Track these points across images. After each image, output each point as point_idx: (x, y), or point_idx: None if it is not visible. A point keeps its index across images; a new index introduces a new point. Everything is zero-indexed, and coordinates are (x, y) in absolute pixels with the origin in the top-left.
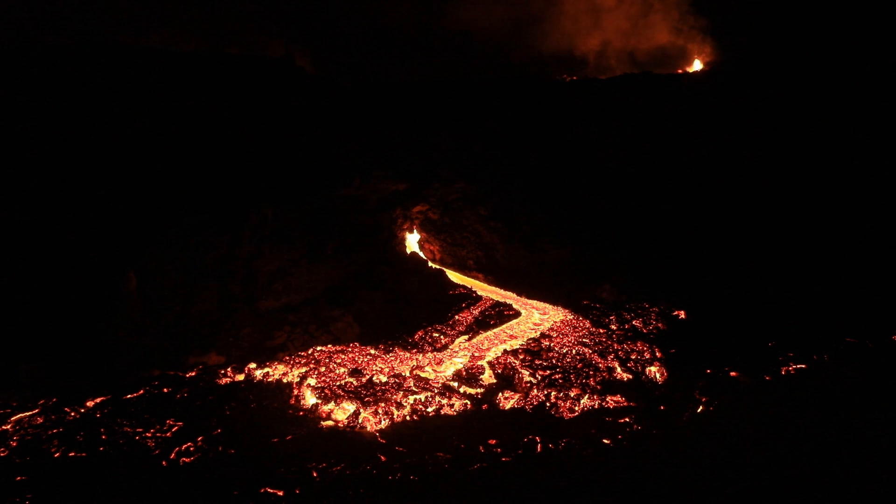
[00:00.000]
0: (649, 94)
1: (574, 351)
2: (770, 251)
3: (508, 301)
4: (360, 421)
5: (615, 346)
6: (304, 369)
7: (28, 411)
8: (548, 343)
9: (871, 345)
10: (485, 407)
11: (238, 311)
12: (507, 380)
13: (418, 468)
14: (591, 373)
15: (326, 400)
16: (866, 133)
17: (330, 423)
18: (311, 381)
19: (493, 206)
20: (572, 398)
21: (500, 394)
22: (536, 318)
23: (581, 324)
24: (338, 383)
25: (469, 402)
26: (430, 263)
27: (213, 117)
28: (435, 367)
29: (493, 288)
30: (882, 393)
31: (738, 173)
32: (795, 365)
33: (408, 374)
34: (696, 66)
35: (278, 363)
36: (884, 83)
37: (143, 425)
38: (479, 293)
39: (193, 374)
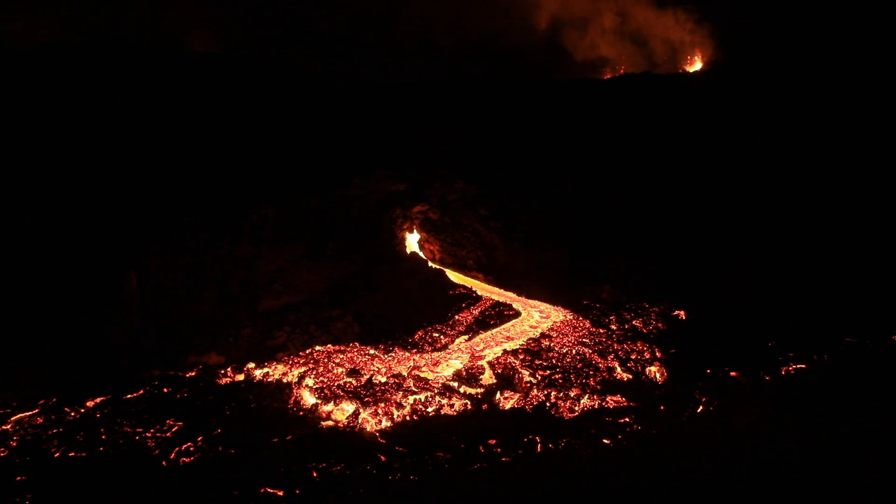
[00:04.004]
0: (649, 94)
1: (574, 351)
2: (770, 251)
3: (508, 301)
4: (359, 421)
5: (615, 346)
6: (303, 369)
7: (28, 411)
8: (548, 343)
9: (871, 345)
10: (485, 407)
11: (238, 311)
12: (507, 380)
13: (418, 468)
14: (591, 373)
15: (326, 400)
16: (866, 133)
17: (330, 423)
18: (311, 381)
19: (493, 206)
20: (572, 398)
21: (500, 394)
22: (536, 318)
23: (581, 324)
24: (337, 383)
25: (469, 402)
26: (430, 263)
27: (213, 117)
28: (434, 368)
29: (493, 288)
30: (882, 393)
31: (738, 173)
32: (795, 365)
33: (407, 374)
34: (697, 66)
35: (278, 363)
36: (884, 83)
37: (143, 425)
38: (479, 293)
39: (193, 374)
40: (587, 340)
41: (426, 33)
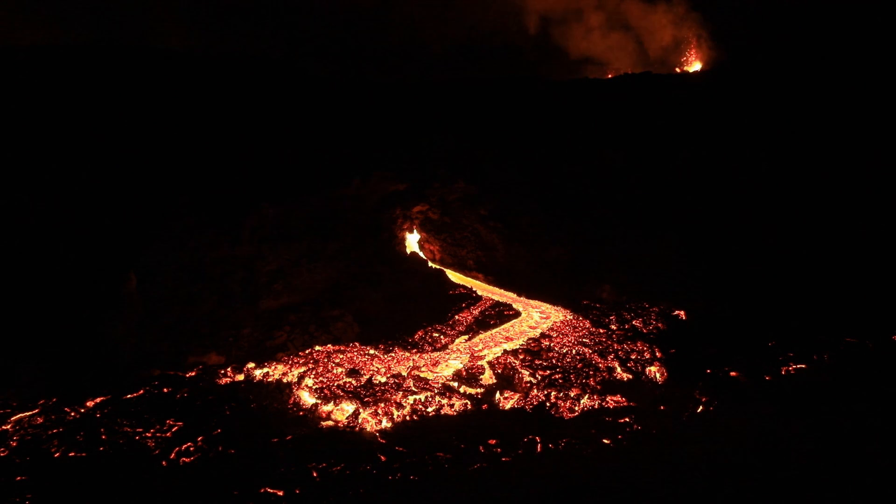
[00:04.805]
0: (649, 94)
1: (574, 351)
2: (770, 251)
3: (508, 301)
4: (359, 421)
5: (615, 346)
6: (303, 369)
7: (28, 411)
8: (548, 343)
9: (871, 345)
10: (485, 407)
11: (238, 311)
12: (507, 380)
13: (418, 468)
14: (591, 373)
15: (326, 400)
16: (866, 133)
17: (330, 423)
18: (311, 381)
19: (493, 206)
20: (572, 398)
21: (500, 394)
22: (536, 318)
23: (581, 324)
24: (337, 383)
25: (469, 402)
26: (430, 263)
27: (213, 117)
28: (434, 368)
29: (493, 288)
30: (882, 393)
31: (737, 173)
32: (795, 365)
33: (407, 374)
34: (696, 66)
35: (278, 363)
36: (884, 83)
37: (143, 425)
38: (479, 293)
39: (193, 374)
40: (587, 340)
41: (419, 34)
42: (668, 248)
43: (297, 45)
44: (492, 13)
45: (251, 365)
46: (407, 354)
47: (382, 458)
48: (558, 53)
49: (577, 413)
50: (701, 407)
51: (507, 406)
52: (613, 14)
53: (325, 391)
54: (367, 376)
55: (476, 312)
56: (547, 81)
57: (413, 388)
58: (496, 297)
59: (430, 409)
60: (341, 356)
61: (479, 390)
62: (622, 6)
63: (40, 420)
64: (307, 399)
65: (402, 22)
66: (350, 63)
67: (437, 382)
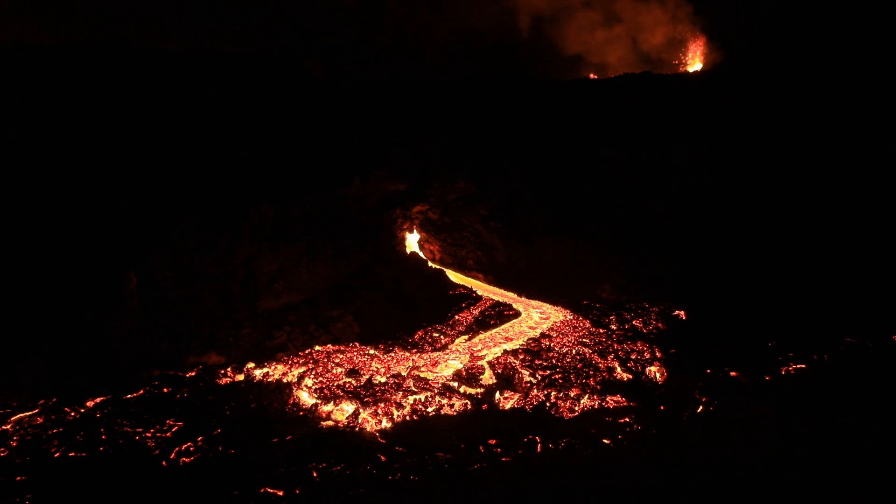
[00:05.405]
0: (649, 94)
1: (574, 351)
2: (770, 251)
3: (508, 301)
4: (359, 421)
5: (615, 346)
6: (303, 369)
7: (28, 411)
8: (548, 343)
9: (871, 345)
10: (485, 407)
11: (238, 311)
12: (507, 380)
13: (418, 468)
14: (591, 373)
15: (326, 400)
16: (866, 133)
17: (330, 423)
18: (311, 381)
19: (493, 206)
20: (572, 398)
21: (500, 394)
22: (536, 318)
23: (581, 324)
24: (337, 383)
25: (469, 402)
26: (430, 263)
27: (214, 117)
28: (434, 368)
29: (493, 288)
30: (882, 393)
31: (737, 173)
32: (795, 365)
33: (407, 375)
34: (697, 66)
35: (278, 363)
36: (884, 83)
37: (143, 425)
38: (479, 293)
39: (193, 374)
40: (587, 340)
41: (412, 33)
42: (668, 248)
43: (295, 45)
44: (486, 12)
45: (251, 365)
46: (407, 354)
47: (382, 458)
48: (553, 51)
49: (577, 413)
50: (701, 407)
51: (507, 406)
52: (608, 12)
53: (325, 391)
54: (367, 376)
55: (476, 312)
56: (547, 81)
57: (413, 388)
58: (496, 297)
59: (430, 409)
60: (341, 356)
61: (479, 390)
62: (617, 4)
63: (40, 420)
64: (307, 399)
65: (396, 22)
66: (348, 63)
67: (437, 382)
